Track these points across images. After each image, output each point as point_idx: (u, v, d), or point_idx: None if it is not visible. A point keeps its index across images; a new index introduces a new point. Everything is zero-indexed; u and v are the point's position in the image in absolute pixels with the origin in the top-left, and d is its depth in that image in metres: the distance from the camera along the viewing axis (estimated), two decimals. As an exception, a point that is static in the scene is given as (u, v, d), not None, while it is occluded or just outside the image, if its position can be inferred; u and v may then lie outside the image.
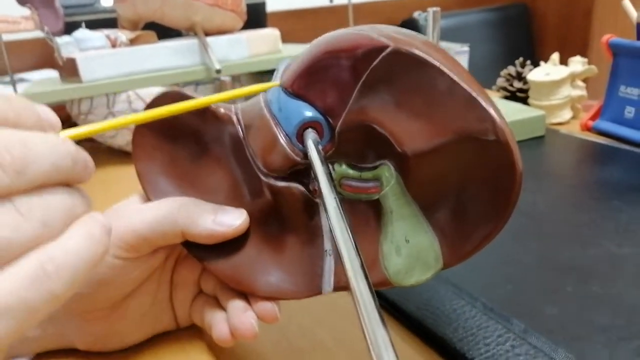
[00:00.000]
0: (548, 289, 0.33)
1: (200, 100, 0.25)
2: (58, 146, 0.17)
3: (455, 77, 0.22)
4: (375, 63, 0.23)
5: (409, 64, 0.22)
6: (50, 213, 0.17)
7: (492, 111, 0.22)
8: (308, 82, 0.25)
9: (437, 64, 0.22)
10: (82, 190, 0.19)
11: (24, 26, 0.85)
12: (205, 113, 0.28)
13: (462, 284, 0.33)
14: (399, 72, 0.23)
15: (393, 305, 0.33)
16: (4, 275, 0.16)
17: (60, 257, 0.17)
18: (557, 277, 0.34)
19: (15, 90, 0.89)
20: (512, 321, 0.30)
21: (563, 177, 0.52)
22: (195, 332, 0.33)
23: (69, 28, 0.85)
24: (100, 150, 0.70)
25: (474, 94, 0.22)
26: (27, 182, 0.16)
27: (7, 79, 1.06)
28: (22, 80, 1.07)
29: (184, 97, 0.28)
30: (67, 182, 0.18)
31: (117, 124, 0.21)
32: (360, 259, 0.20)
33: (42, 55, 1.31)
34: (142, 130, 0.29)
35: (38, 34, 0.84)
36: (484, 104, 0.22)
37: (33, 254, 0.16)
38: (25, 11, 0.86)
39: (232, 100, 0.27)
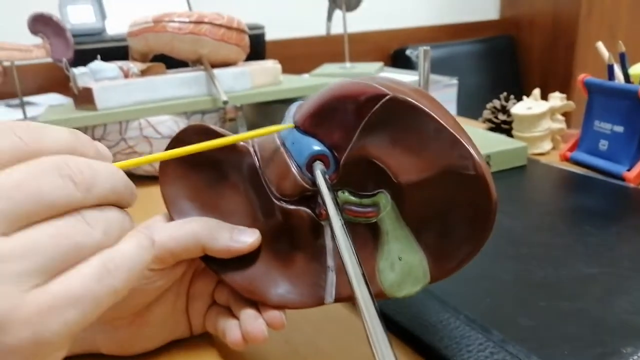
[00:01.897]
0: (523, 303, 0.36)
1: (225, 139, 0.28)
2: (115, 174, 0.21)
3: (442, 121, 0.26)
4: (375, 108, 0.27)
5: (404, 109, 0.26)
6: (109, 225, 0.20)
7: (472, 150, 0.26)
8: (318, 121, 0.29)
9: (427, 110, 0.26)
10: (127, 212, 0.22)
11: (36, 54, 0.89)
12: (226, 146, 0.32)
13: (447, 298, 0.36)
14: (396, 116, 0.27)
15: (386, 318, 0.35)
16: (75, 271, 0.19)
17: (118, 259, 0.20)
18: (532, 293, 0.37)
19: (24, 113, 0.92)
20: (491, 331, 0.32)
21: (542, 203, 0.54)
22: (207, 340, 0.36)
23: (78, 56, 0.89)
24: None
25: (457, 136, 0.26)
26: (93, 199, 0.20)
27: (14, 101, 1.10)
28: (28, 103, 1.10)
29: (207, 130, 0.32)
30: (118, 204, 0.22)
31: (156, 157, 0.25)
32: (362, 269, 0.23)
33: (46, 79, 1.33)
34: (168, 160, 0.33)
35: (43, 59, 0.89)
36: (465, 144, 0.26)
37: (97, 256, 0.19)
38: (38, 40, 0.90)
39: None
